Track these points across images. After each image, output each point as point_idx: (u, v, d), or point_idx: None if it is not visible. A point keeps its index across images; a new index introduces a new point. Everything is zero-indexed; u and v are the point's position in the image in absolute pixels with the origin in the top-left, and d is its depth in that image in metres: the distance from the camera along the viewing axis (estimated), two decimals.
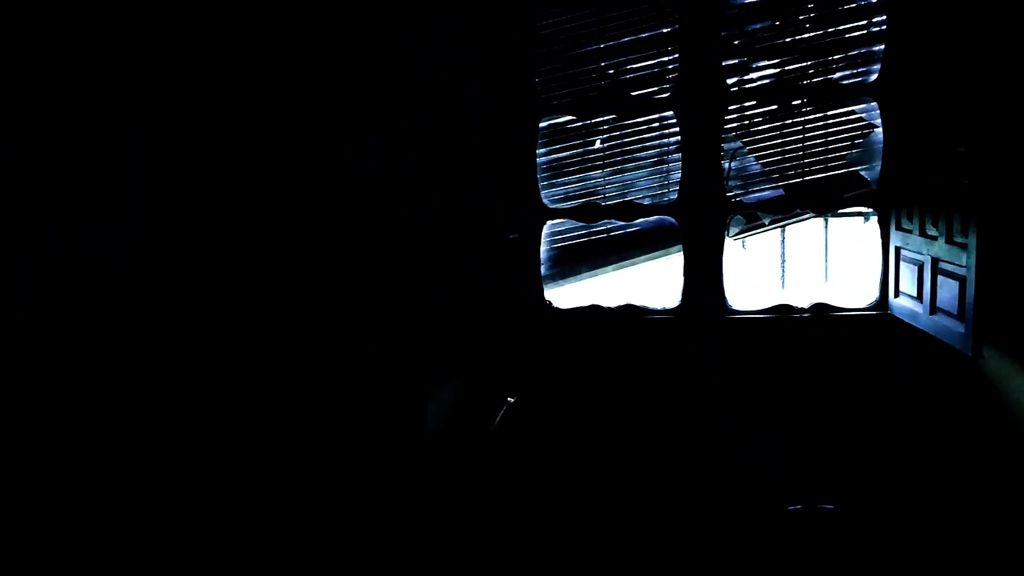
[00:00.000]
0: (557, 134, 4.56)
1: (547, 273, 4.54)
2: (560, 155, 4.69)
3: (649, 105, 4.36)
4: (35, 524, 2.73)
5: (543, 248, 4.39)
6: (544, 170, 4.55)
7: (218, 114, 3.25)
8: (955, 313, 3.01)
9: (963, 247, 2.93)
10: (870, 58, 4.38)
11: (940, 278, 3.17)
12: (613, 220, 4.47)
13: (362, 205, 3.29)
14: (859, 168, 4.95)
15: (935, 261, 3.21)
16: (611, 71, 4.65)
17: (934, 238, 3.22)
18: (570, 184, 4.88)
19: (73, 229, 2.88)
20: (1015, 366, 3.15)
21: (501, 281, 4.17)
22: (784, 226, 4.66)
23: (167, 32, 3.16)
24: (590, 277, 4.97)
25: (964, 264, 2.92)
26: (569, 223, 4.71)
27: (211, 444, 3.33)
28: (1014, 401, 3.14)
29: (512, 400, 3.99)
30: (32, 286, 2.68)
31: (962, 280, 2.95)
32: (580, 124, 4.60)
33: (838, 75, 4.77)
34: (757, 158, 4.83)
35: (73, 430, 2.89)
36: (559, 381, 4.15)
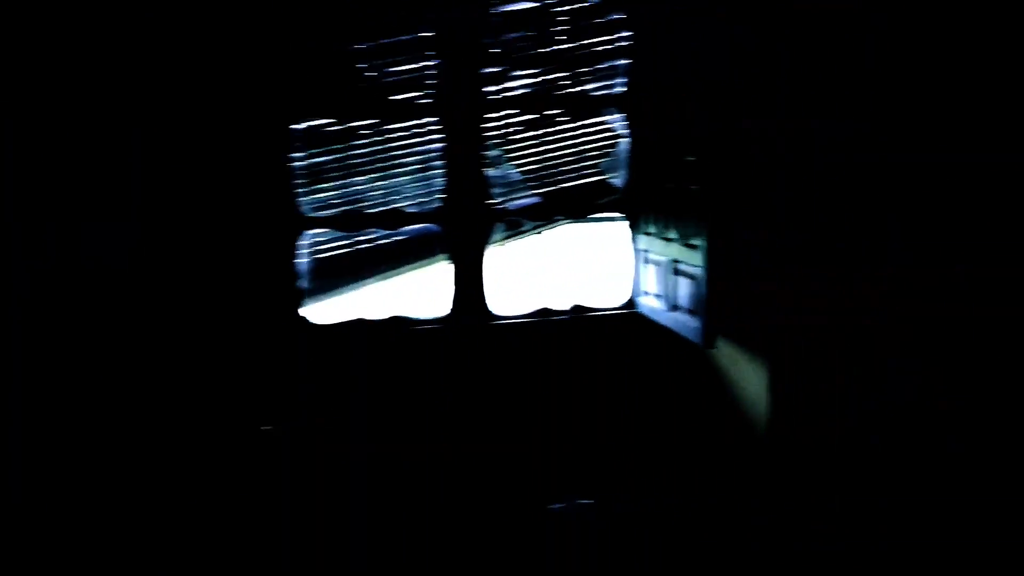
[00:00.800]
0: (316, 138, 4.51)
1: (307, 287, 4.47)
2: (319, 160, 4.64)
3: (411, 110, 4.46)
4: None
5: (302, 261, 4.32)
6: (302, 176, 4.48)
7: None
8: (691, 309, 3.47)
9: (695, 249, 3.39)
10: (617, 72, 4.86)
11: (678, 278, 3.62)
12: (377, 229, 4.51)
13: None
14: (610, 176, 5.44)
15: (674, 262, 3.67)
16: (372, 73, 4.69)
17: (672, 241, 3.67)
18: (331, 191, 4.85)
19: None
20: (741, 354, 3.68)
21: (255, 298, 4.04)
22: (544, 231, 5.01)
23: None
24: (355, 290, 4.97)
25: (697, 264, 3.38)
26: (331, 233, 4.67)
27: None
28: (740, 386, 3.67)
29: (267, 428, 3.88)
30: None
31: (696, 279, 3.41)
32: (341, 128, 4.59)
33: (590, 87, 5.20)
34: (517, 166, 5.13)
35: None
36: (323, 402, 4.10)
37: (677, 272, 3.65)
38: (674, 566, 3.08)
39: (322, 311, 12.68)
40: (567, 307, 4.45)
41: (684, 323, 3.56)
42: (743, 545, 3.26)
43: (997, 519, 3.38)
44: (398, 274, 4.91)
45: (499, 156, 4.66)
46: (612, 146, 5.41)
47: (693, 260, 3.41)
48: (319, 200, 4.87)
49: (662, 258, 3.86)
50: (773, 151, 3.65)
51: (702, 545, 3.24)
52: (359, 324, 4.22)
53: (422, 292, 14.29)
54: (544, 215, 4.85)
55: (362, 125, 4.71)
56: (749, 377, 3.64)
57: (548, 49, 4.80)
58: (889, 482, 3.62)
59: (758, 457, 3.59)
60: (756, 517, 3.45)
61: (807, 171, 3.64)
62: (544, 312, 4.40)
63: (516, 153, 5.27)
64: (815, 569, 3.05)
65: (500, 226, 4.56)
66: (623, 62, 4.65)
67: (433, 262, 4.89)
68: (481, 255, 4.28)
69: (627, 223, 4.47)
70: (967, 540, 3.21)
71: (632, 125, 4.40)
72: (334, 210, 4.64)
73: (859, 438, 3.58)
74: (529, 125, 5.23)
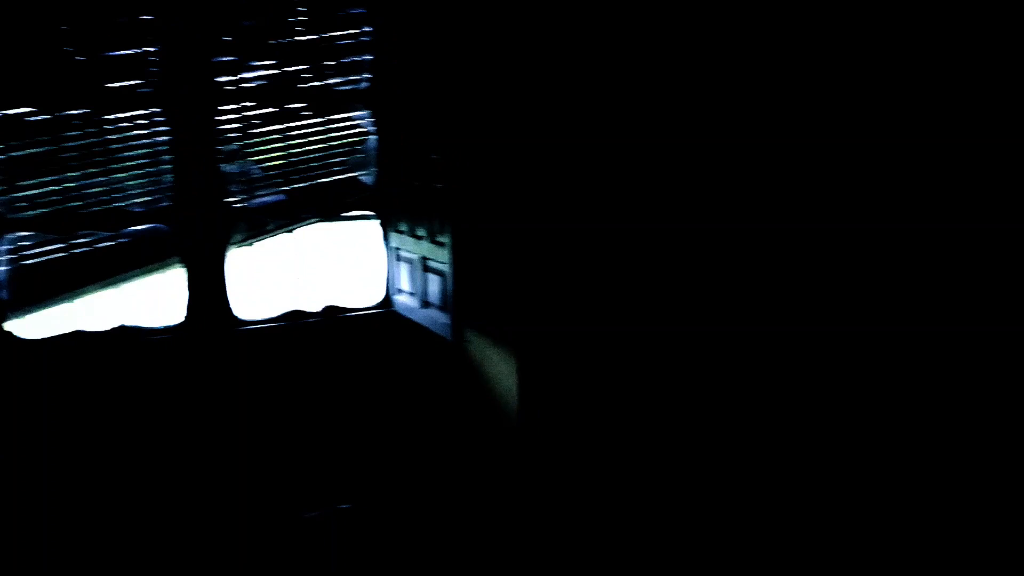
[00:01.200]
0: (17, 128, 4.04)
1: (12, 298, 4.00)
2: (23, 153, 4.17)
3: (132, 99, 4.16)
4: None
5: (2, 268, 3.86)
6: (1, 172, 4.00)
7: None
8: (441, 305, 3.61)
9: (443, 245, 3.52)
10: (362, 67, 4.87)
11: (428, 275, 3.75)
12: (97, 231, 4.15)
13: None
14: (360, 173, 5.45)
15: (423, 259, 3.79)
16: (83, 57, 4.30)
17: (422, 238, 3.78)
18: (40, 189, 4.38)
19: None
20: (491, 346, 3.89)
21: None
22: (292, 230, 4.90)
23: None
24: (75, 300, 4.53)
25: (444, 261, 3.52)
26: (41, 236, 4.22)
27: None
28: (492, 377, 3.87)
29: None
30: None
31: (444, 275, 3.55)
32: (48, 117, 4.16)
33: (335, 81, 5.17)
34: (259, 162, 4.97)
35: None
36: (42, 428, 3.70)
37: (427, 269, 3.77)
38: (435, 566, 3.19)
39: (33, 325, 11.27)
40: (319, 308, 4.40)
41: (435, 319, 3.68)
42: (505, 539, 3.45)
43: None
44: (127, 281, 4.54)
45: (237, 151, 4.48)
46: (361, 142, 5.43)
47: (441, 257, 3.54)
48: (24, 199, 4.38)
49: (413, 255, 3.96)
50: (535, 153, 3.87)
51: (466, 542, 3.39)
52: (78, 337, 3.86)
53: (156, 299, 13.25)
54: (291, 214, 4.75)
55: (74, 115, 4.30)
56: (501, 371, 3.85)
57: (288, 40, 4.70)
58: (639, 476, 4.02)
59: (510, 449, 3.82)
60: (511, 511, 3.67)
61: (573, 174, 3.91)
62: (295, 315, 4.31)
63: (258, 148, 5.10)
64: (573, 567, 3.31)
65: (241, 225, 4.37)
66: (367, 57, 4.68)
67: (169, 266, 4.59)
68: (220, 257, 4.10)
69: (379, 221, 4.52)
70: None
71: (379, 122, 4.45)
72: (43, 210, 4.21)
73: (607, 433, 3.93)
74: (271, 119, 5.10)
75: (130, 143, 4.54)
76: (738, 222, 3.93)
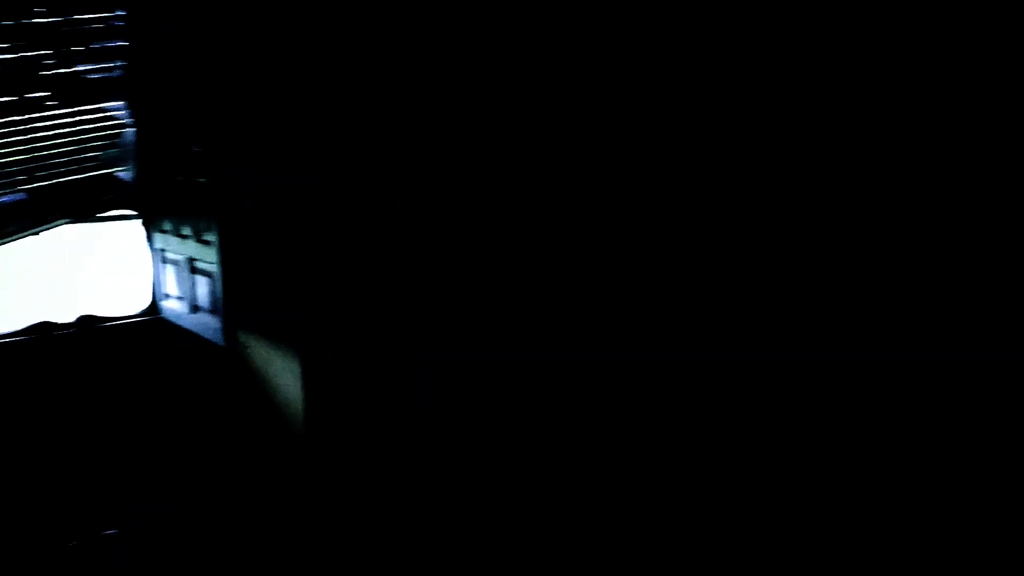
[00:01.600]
0: None
1: None
2: None
3: None
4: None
5: None
6: None
7: None
8: (211, 309, 3.45)
9: (210, 244, 3.38)
10: (117, 53, 4.54)
11: (197, 277, 3.57)
12: None
13: None
14: (116, 169, 5.08)
15: (191, 261, 3.60)
16: None
17: (187, 237, 3.60)
18: None
19: None
20: (272, 350, 3.79)
21: None
22: (37, 233, 4.48)
23: None
24: None
25: (213, 261, 3.37)
26: None
27: None
28: (274, 382, 3.78)
29: None
30: None
31: (213, 276, 3.40)
32: None
33: (85, 68, 4.79)
34: None
35: None
36: None
37: (195, 271, 3.59)
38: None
39: None
40: (74, 319, 4.06)
41: (206, 324, 3.52)
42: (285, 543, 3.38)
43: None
44: None
45: None
46: (117, 136, 5.08)
47: (208, 257, 3.39)
48: None
49: (179, 257, 3.76)
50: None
51: (247, 559, 3.29)
52: None
53: None
54: (34, 215, 4.35)
55: None
56: (284, 376, 3.75)
57: (26, 21, 4.30)
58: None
59: (297, 453, 3.74)
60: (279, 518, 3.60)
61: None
62: (43, 327, 3.94)
63: None
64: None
65: None
66: (121, 43, 4.38)
67: None
68: None
69: (141, 220, 4.24)
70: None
71: (136, 113, 4.17)
72: None
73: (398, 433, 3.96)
74: (7, 109, 4.66)
75: None
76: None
